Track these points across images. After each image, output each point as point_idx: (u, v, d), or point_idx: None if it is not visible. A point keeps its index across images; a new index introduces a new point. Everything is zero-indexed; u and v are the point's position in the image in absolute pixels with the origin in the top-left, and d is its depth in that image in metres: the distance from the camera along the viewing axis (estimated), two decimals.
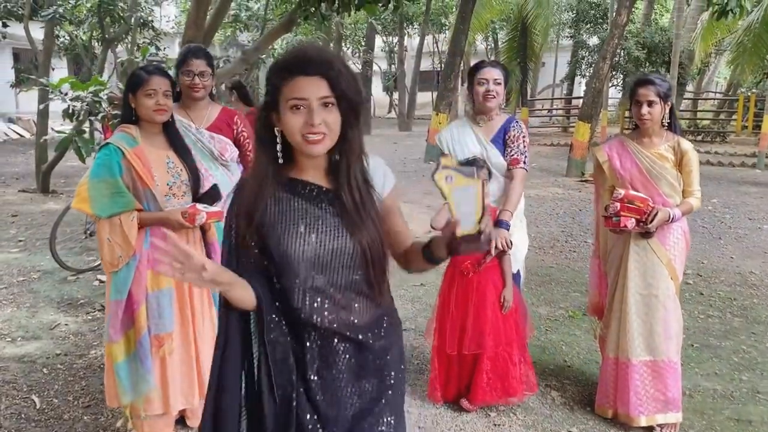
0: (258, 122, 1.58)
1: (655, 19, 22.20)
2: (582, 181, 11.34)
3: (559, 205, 9.16)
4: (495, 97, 3.21)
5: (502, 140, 3.27)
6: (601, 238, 3.40)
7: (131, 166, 2.66)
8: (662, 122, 3.09)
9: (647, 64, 17.11)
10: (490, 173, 3.13)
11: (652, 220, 2.99)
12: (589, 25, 20.95)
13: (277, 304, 1.55)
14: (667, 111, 3.08)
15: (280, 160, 1.55)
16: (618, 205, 3.01)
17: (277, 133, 1.54)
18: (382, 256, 1.60)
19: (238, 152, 3.22)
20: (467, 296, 3.21)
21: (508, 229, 3.10)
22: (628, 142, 3.20)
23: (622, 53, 17.30)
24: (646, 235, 3.12)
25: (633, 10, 12.80)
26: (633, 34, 17.61)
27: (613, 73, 17.25)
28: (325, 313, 1.56)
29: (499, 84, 3.21)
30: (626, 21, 11.31)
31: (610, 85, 16.31)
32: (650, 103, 3.03)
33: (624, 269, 3.20)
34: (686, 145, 3.10)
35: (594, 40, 21.39)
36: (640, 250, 3.16)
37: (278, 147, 1.55)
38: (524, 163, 3.25)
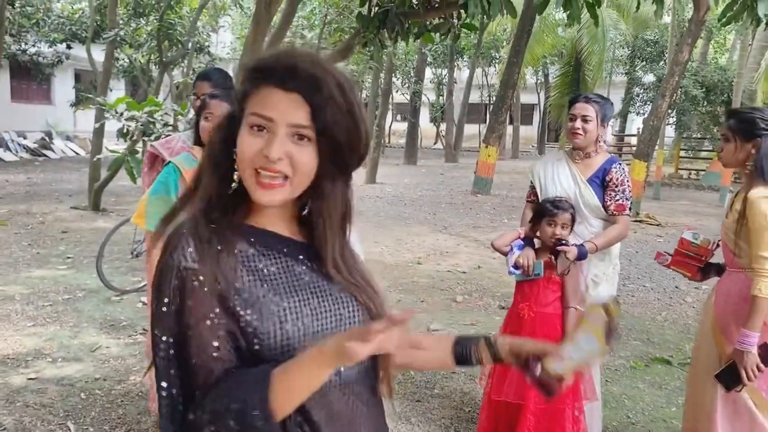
0: (215, 135, 1.12)
1: (714, 57, 21.70)
2: (637, 221, 10.94)
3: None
4: (582, 135, 3.01)
5: (600, 181, 3.06)
6: None
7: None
8: (747, 165, 2.57)
9: (705, 103, 16.64)
10: (573, 217, 2.92)
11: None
12: (644, 62, 20.58)
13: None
14: (752, 152, 2.54)
15: (231, 188, 1.10)
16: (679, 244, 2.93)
17: (235, 155, 1.08)
18: None
19: None
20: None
21: (582, 258, 2.87)
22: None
23: (678, 91, 16.88)
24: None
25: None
26: (691, 73, 17.19)
27: (669, 111, 16.79)
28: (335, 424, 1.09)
29: (589, 121, 2.99)
30: (687, 58, 10.99)
31: (666, 123, 15.88)
32: (725, 138, 2.63)
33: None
34: (752, 193, 2.48)
35: (649, 78, 20.99)
36: (706, 308, 2.82)
37: (234, 178, 1.09)
38: (629, 209, 3.07)
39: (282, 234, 1.13)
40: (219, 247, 1.04)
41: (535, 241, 3.02)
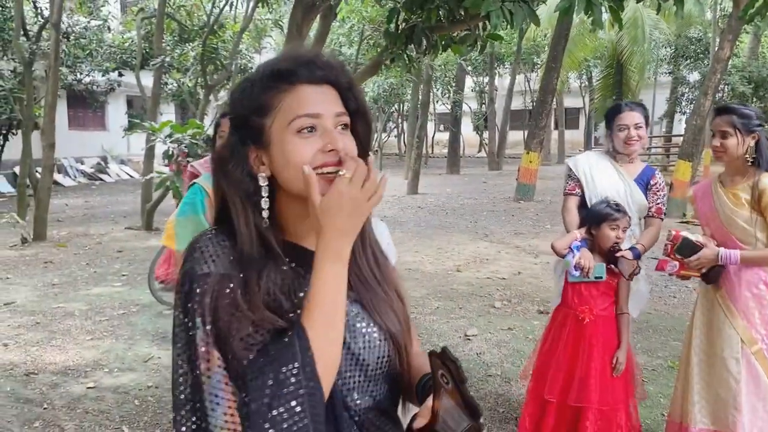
0: (228, 165, 1.04)
1: (762, 52, 21.07)
2: (683, 222, 10.74)
3: (658, 247, 8.68)
4: (637, 141, 3.13)
5: (644, 184, 3.20)
6: None
7: (212, 206, 2.75)
8: (746, 158, 2.74)
9: (754, 100, 16.19)
10: (630, 220, 2.98)
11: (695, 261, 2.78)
12: (689, 61, 20.17)
13: None
14: (752, 144, 2.73)
15: (265, 222, 1.04)
16: (668, 246, 2.85)
17: (262, 181, 1.03)
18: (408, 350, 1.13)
19: None
20: (578, 343, 3.00)
21: (638, 258, 2.95)
22: (715, 181, 2.92)
23: (726, 89, 16.48)
24: (708, 281, 2.86)
25: (738, 43, 12.19)
26: (738, 69, 16.77)
27: None
28: None
29: (641, 127, 3.11)
30: (729, 55, 10.78)
31: None
32: (723, 134, 2.74)
33: (690, 323, 2.98)
34: (764, 182, 2.68)
35: (695, 76, 20.56)
36: (707, 303, 2.89)
37: (264, 202, 1.03)
38: (664, 214, 3.21)
39: (310, 249, 1.04)
40: (231, 258, 1.00)
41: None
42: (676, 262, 2.90)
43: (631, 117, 3.11)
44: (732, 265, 2.78)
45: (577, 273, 2.93)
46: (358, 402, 1.06)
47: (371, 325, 1.08)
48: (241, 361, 0.94)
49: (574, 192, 3.28)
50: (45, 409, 3.75)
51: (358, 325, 1.07)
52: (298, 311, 0.98)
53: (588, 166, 3.26)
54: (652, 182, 3.17)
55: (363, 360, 1.05)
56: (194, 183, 2.80)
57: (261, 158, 1.04)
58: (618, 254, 2.89)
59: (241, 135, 1.05)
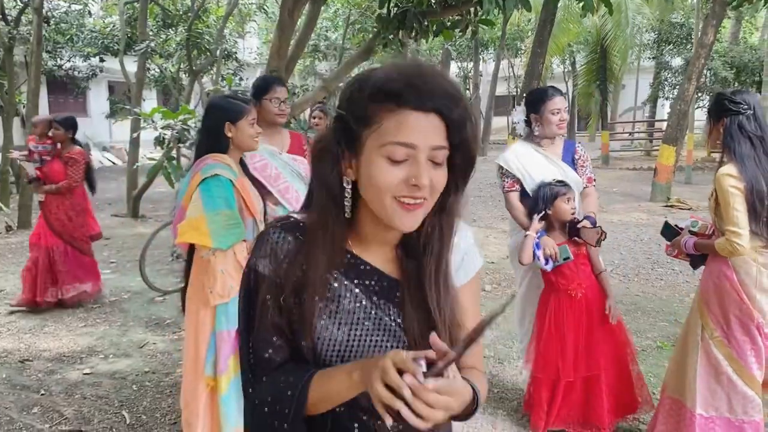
0: (322, 158, 1.08)
1: (744, 37, 21.27)
2: (668, 206, 10.89)
3: (643, 231, 8.81)
4: (565, 123, 3.36)
5: (571, 160, 3.42)
6: None
7: (240, 197, 2.65)
8: (721, 144, 2.71)
9: (736, 84, 16.36)
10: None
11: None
12: (671, 46, 20.29)
13: None
14: (721, 131, 2.68)
15: (347, 213, 1.09)
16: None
17: (345, 184, 1.06)
18: None
19: None
20: (579, 318, 3.15)
21: (595, 225, 3.14)
22: None
23: (708, 74, 16.62)
24: (692, 266, 3.06)
25: (719, 28, 12.29)
26: (720, 54, 16.92)
27: (699, 94, 16.56)
28: None
29: (567, 110, 3.36)
30: (713, 40, 10.86)
31: (696, 106, 15.67)
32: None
33: None
34: (719, 171, 2.64)
35: (677, 61, 20.69)
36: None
37: (347, 203, 1.06)
38: (595, 181, 3.49)
39: (375, 264, 1.12)
40: (289, 260, 1.09)
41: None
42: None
43: (561, 101, 3.33)
44: (709, 254, 2.87)
45: (549, 266, 3.10)
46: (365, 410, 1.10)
47: (396, 324, 1.11)
48: (262, 346, 1.11)
49: (514, 188, 3.38)
50: (42, 395, 3.75)
51: (384, 319, 1.11)
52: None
53: (519, 161, 3.37)
54: (576, 156, 3.41)
55: (382, 348, 1.10)
56: (218, 175, 2.59)
57: (351, 162, 1.05)
58: (579, 225, 3.10)
59: (338, 134, 1.06)
